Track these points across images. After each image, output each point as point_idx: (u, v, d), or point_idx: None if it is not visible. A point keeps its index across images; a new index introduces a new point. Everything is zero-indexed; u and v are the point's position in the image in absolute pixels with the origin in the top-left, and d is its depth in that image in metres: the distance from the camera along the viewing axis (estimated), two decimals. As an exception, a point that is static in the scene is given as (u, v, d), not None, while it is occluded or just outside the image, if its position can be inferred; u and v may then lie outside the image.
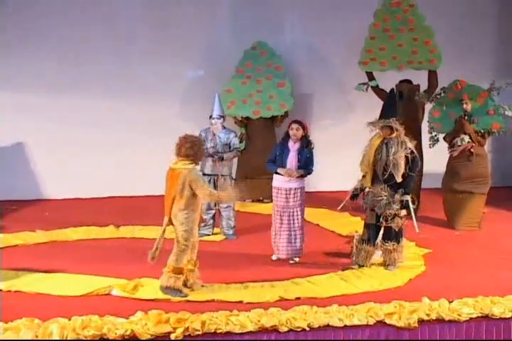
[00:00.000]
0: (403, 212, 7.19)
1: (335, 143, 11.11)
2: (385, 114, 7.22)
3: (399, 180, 7.12)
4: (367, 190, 7.26)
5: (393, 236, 7.29)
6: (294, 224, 7.65)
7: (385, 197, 7.13)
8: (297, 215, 7.65)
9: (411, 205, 7.18)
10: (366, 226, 7.40)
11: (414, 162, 7.16)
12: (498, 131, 9.01)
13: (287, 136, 7.61)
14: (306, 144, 7.57)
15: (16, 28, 10.66)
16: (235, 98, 10.65)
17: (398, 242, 7.30)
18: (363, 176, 7.33)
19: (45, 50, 10.80)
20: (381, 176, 7.17)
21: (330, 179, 11.21)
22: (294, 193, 7.60)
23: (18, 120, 10.69)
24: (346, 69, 10.86)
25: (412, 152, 7.14)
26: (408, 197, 7.17)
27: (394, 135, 7.15)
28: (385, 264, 7.37)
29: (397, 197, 7.12)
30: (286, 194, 7.59)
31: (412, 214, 7.20)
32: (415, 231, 7.30)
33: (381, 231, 7.37)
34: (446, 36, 10.79)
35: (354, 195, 7.40)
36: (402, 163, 7.07)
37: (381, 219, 7.20)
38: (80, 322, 5.63)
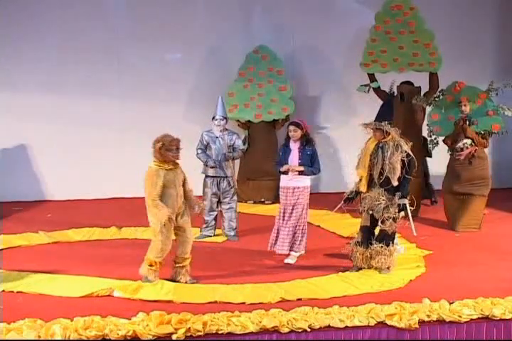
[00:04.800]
0: (402, 215, 7.19)
1: (337, 145, 11.15)
2: (379, 117, 7.20)
3: (395, 183, 7.08)
4: (364, 194, 7.25)
5: (383, 238, 7.25)
6: (297, 221, 7.74)
7: (383, 202, 7.10)
8: (301, 213, 7.75)
9: (408, 208, 7.18)
10: (361, 228, 7.40)
11: (411, 165, 7.12)
12: (498, 132, 9.03)
13: (288, 137, 7.82)
14: (306, 142, 7.75)
15: (17, 29, 10.71)
16: (237, 101, 10.70)
17: (387, 245, 7.25)
18: (360, 180, 7.33)
19: (46, 51, 10.85)
20: (377, 180, 7.14)
21: (332, 181, 11.24)
22: (299, 192, 7.72)
23: (20, 122, 10.73)
24: (348, 72, 10.89)
25: (408, 155, 7.10)
26: (406, 201, 7.16)
27: (389, 138, 7.12)
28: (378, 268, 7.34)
29: (395, 200, 7.10)
30: (291, 192, 7.73)
31: (410, 217, 7.21)
32: (413, 234, 7.34)
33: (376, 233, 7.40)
34: (447, 38, 10.83)
35: (349, 198, 7.43)
36: (398, 166, 7.04)
37: (379, 223, 7.18)
38: (82, 322, 5.64)
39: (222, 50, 11.23)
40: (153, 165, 6.87)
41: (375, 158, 7.12)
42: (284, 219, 7.77)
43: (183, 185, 6.97)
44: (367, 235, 7.31)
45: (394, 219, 7.15)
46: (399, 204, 7.13)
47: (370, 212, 7.20)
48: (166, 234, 6.84)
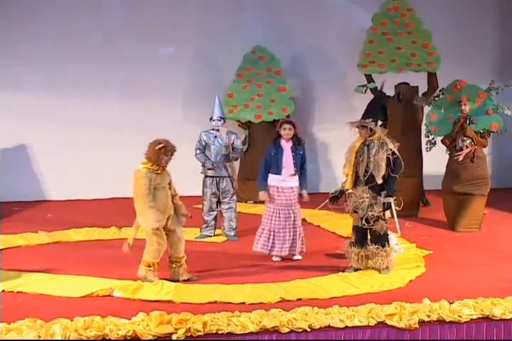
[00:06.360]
0: (387, 214, 7.15)
1: (336, 145, 11.11)
2: (365, 115, 7.21)
3: (379, 181, 7.06)
4: (349, 191, 7.23)
5: (377, 239, 7.22)
6: (295, 221, 7.73)
7: (367, 199, 7.07)
8: (297, 213, 7.75)
9: (393, 207, 7.15)
10: (353, 228, 7.37)
11: (396, 163, 7.10)
12: (497, 131, 9.02)
13: (279, 136, 7.74)
14: (298, 142, 7.72)
15: (17, 30, 10.72)
16: (237, 102, 10.71)
17: (383, 246, 7.21)
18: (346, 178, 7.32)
19: (46, 52, 10.86)
20: (362, 178, 7.13)
21: (332, 180, 11.24)
22: (293, 191, 7.72)
23: (20, 122, 10.74)
24: (348, 72, 10.90)
25: (393, 153, 7.08)
26: (391, 200, 7.12)
27: (375, 136, 7.11)
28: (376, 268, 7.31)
29: (380, 199, 7.08)
30: (287, 192, 7.69)
31: (395, 216, 7.20)
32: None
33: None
34: (447, 38, 10.85)
35: (334, 197, 7.40)
36: (382, 164, 7.02)
37: (363, 221, 7.14)
38: (82, 322, 5.64)
39: (222, 50, 11.23)
40: (141, 167, 6.86)
41: (361, 156, 7.12)
42: (280, 221, 7.71)
43: (169, 188, 6.99)
44: (360, 234, 7.28)
45: (379, 218, 7.12)
46: (384, 203, 7.10)
47: (359, 211, 7.16)
48: (160, 235, 6.87)
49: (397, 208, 7.27)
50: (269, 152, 7.76)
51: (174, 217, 6.99)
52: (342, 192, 7.32)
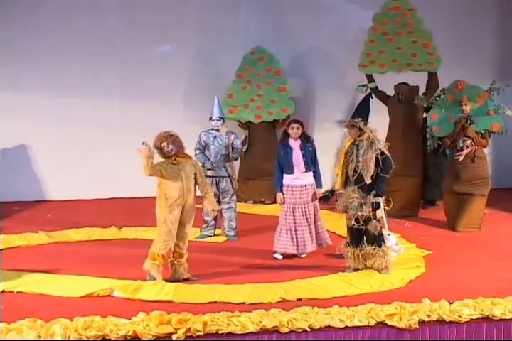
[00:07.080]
0: (378, 214, 7.14)
1: (336, 145, 11.14)
2: (355, 114, 7.21)
3: (368, 181, 7.05)
4: (339, 191, 7.22)
5: (373, 239, 7.20)
6: (310, 218, 7.77)
7: (357, 199, 7.07)
8: (313, 209, 7.79)
9: (382, 207, 7.16)
10: (347, 228, 7.37)
11: (385, 163, 7.08)
12: (498, 131, 9.01)
13: (287, 136, 7.78)
14: (306, 139, 7.79)
15: (17, 30, 10.72)
16: (237, 103, 10.71)
17: (379, 246, 7.20)
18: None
19: (46, 52, 10.86)
20: (352, 177, 7.13)
21: (331, 180, 11.24)
22: (307, 189, 7.75)
23: (20, 122, 10.75)
24: (348, 72, 10.89)
25: (382, 153, 7.06)
26: (380, 199, 7.10)
27: (364, 136, 7.11)
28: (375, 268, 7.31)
29: (369, 199, 7.07)
30: (301, 190, 7.73)
31: (383, 216, 7.21)
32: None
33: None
34: (447, 38, 10.84)
35: (324, 197, 7.42)
36: (371, 164, 7.01)
37: (352, 221, 7.14)
38: (82, 322, 5.65)
39: (222, 50, 11.23)
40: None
41: (351, 156, 7.12)
42: (295, 219, 7.75)
43: (196, 179, 6.98)
44: (354, 234, 7.27)
45: (369, 218, 7.12)
46: (373, 203, 7.09)
47: (350, 211, 7.15)
48: (170, 226, 6.85)
49: (386, 208, 7.27)
50: (279, 152, 7.82)
51: (189, 212, 6.97)
52: (332, 192, 7.35)
